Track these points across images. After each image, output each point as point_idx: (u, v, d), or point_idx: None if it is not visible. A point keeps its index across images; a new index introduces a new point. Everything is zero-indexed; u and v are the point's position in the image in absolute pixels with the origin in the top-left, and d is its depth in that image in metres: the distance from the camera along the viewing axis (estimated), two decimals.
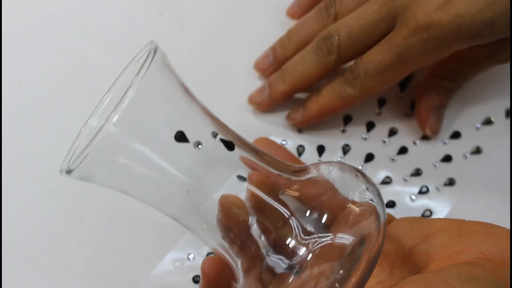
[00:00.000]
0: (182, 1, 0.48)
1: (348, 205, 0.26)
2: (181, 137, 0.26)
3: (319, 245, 0.25)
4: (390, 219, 0.32)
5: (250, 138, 0.30)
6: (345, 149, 0.42)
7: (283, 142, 0.42)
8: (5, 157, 0.42)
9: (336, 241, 0.25)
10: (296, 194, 0.28)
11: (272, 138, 0.41)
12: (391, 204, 0.41)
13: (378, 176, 0.42)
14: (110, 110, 0.23)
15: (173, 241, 0.40)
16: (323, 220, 0.26)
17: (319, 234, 0.26)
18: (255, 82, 0.45)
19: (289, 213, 0.27)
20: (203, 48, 0.46)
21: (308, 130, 0.43)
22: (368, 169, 0.42)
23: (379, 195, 0.27)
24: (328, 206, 0.27)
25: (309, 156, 0.42)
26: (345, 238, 0.25)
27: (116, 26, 0.47)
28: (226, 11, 0.47)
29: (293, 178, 0.28)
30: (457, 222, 0.28)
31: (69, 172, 0.24)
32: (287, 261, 0.26)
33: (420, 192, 0.41)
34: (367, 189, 0.27)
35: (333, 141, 0.43)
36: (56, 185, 0.41)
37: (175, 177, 0.26)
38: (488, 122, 0.43)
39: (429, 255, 0.27)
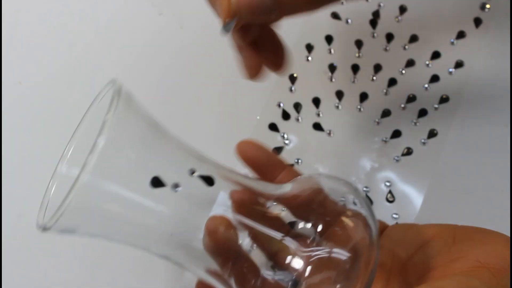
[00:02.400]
0: (182, 1, 0.48)
1: (340, 217, 0.26)
2: (157, 182, 0.25)
3: (314, 260, 0.25)
4: (383, 227, 0.32)
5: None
6: (339, 95, 0.44)
7: (281, 105, 0.43)
8: (5, 157, 0.42)
9: (332, 256, 0.25)
10: (281, 207, 0.27)
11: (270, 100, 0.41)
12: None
13: (374, 112, 0.43)
14: (78, 157, 0.22)
15: None
16: (312, 232, 0.26)
17: (312, 248, 0.25)
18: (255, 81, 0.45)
19: (277, 227, 0.26)
20: (203, 48, 0.46)
21: (299, 87, 0.44)
22: (365, 108, 0.43)
23: (368, 205, 0.26)
24: (317, 217, 0.26)
25: (307, 112, 0.43)
26: (341, 254, 0.25)
27: (116, 26, 0.47)
28: None
29: (278, 191, 0.28)
30: (451, 228, 0.28)
31: (45, 229, 0.23)
32: (282, 277, 0.25)
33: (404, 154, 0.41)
34: (356, 200, 0.26)
35: (325, 90, 0.44)
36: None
37: (156, 222, 0.25)
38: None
39: (425, 266, 0.27)
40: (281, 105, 0.44)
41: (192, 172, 0.26)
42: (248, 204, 0.27)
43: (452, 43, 0.45)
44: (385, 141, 0.43)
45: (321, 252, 0.25)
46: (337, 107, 0.44)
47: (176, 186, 0.25)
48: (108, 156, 0.22)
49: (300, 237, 0.26)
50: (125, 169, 0.24)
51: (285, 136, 0.43)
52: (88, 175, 0.21)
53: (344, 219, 0.26)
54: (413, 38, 0.45)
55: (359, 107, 0.44)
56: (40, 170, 0.42)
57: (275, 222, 0.27)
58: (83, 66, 0.46)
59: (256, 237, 0.27)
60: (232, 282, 0.26)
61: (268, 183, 0.29)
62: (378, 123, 0.43)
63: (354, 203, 0.26)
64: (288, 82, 0.45)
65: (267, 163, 0.32)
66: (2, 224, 0.40)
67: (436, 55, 0.45)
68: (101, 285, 0.39)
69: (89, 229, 0.25)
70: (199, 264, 0.27)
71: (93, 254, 0.40)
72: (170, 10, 0.48)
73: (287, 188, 0.28)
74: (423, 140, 0.43)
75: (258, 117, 0.44)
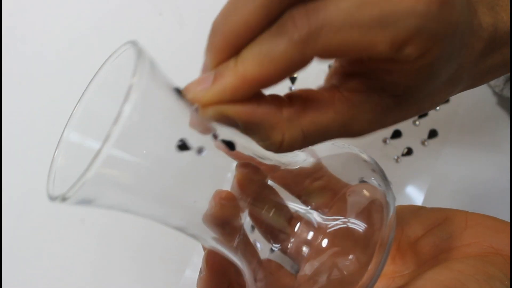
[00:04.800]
0: (182, 1, 0.48)
1: (355, 187, 0.25)
2: (183, 146, 0.24)
3: (332, 229, 0.25)
4: None
5: None
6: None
7: None
8: (5, 157, 0.42)
9: (349, 226, 0.24)
10: (285, 177, 0.27)
11: None
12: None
13: None
14: (85, 121, 0.21)
15: (173, 240, 0.40)
16: (324, 203, 0.26)
17: (326, 218, 0.25)
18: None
19: (283, 199, 0.26)
20: (203, 48, 0.46)
21: (299, 87, 0.43)
22: None
23: (385, 178, 0.26)
24: (328, 188, 0.26)
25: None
26: (357, 225, 0.24)
27: (116, 26, 0.47)
28: None
29: (286, 160, 0.27)
30: (463, 213, 0.28)
31: (64, 199, 0.22)
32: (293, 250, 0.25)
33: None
34: (373, 171, 0.26)
35: None
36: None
37: (180, 188, 0.25)
38: None
39: (436, 248, 0.27)
40: None
41: (215, 136, 0.25)
42: (253, 174, 0.26)
43: None
44: (385, 141, 0.43)
45: (338, 224, 0.25)
46: None
47: (200, 150, 0.25)
48: (134, 124, 0.21)
49: (316, 209, 0.26)
50: (150, 137, 0.23)
51: None
52: (112, 145, 0.20)
53: (363, 191, 0.25)
54: None
55: None
56: (40, 170, 0.42)
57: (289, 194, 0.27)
58: (83, 66, 0.46)
59: (259, 211, 0.26)
60: (239, 253, 0.26)
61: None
62: None
63: (373, 179, 0.26)
64: (288, 82, 0.45)
65: None
66: (2, 224, 0.40)
67: None
68: (101, 285, 0.39)
69: (107, 200, 0.24)
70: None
71: (93, 254, 0.40)
72: (170, 10, 0.47)
73: (302, 157, 0.28)
74: (423, 140, 0.43)
75: None
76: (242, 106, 0.22)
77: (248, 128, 0.22)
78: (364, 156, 0.27)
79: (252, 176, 0.26)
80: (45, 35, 0.46)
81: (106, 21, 0.47)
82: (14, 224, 0.40)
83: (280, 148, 0.22)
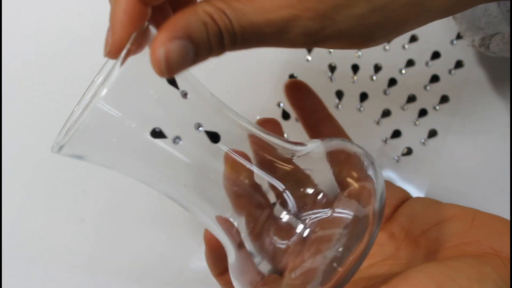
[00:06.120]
0: None
1: (348, 180, 0.26)
2: (157, 133, 0.24)
3: (317, 219, 0.25)
4: (406, 197, 0.32)
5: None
6: (339, 95, 0.44)
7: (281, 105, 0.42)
8: (5, 157, 0.42)
9: (335, 215, 0.25)
10: (291, 167, 0.27)
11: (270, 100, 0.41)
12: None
13: (374, 112, 0.43)
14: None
15: (173, 240, 0.40)
16: (322, 194, 0.26)
17: (319, 209, 0.25)
18: (254, 80, 0.45)
19: (283, 187, 0.26)
20: None
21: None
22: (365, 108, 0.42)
23: (377, 171, 0.26)
24: (329, 180, 0.26)
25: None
26: (345, 213, 0.25)
27: None
28: None
29: (294, 148, 0.28)
30: (471, 211, 0.28)
31: (60, 148, 0.23)
32: (292, 220, 0.25)
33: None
34: (368, 165, 0.26)
35: (325, 90, 0.43)
36: (56, 185, 0.41)
37: (174, 156, 0.25)
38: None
39: (439, 242, 0.27)
40: (281, 105, 0.44)
41: (198, 126, 0.26)
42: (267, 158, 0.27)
43: (452, 43, 0.45)
44: (385, 141, 0.43)
45: (325, 214, 0.25)
46: (337, 107, 0.44)
47: (176, 139, 0.25)
48: (127, 85, 0.22)
49: (304, 197, 0.26)
50: (144, 103, 0.24)
51: (285, 136, 0.43)
52: (103, 99, 0.21)
53: (351, 181, 0.26)
54: (413, 38, 0.45)
55: (359, 107, 0.44)
56: (40, 170, 0.42)
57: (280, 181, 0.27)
58: (83, 65, 0.46)
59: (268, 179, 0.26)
60: (243, 221, 0.26)
61: (287, 141, 0.29)
62: (378, 123, 0.43)
63: (367, 166, 0.26)
64: None
65: (313, 108, 0.31)
66: (2, 224, 0.40)
67: (436, 55, 0.45)
68: (101, 284, 0.39)
69: (103, 155, 0.24)
70: (212, 203, 0.27)
71: (93, 254, 0.40)
72: None
73: (308, 149, 0.28)
74: (423, 140, 0.43)
75: (258, 117, 0.44)
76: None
77: None
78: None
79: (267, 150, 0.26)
80: (44, 35, 0.46)
81: (106, 21, 0.47)
82: (14, 223, 0.40)
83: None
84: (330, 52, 0.45)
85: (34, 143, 0.43)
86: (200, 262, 0.39)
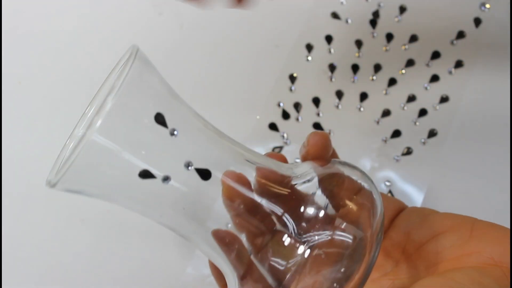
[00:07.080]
0: (182, 1, 0.48)
1: (346, 202, 0.26)
2: (145, 174, 0.24)
3: (318, 242, 0.25)
4: (402, 207, 0.31)
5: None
6: (339, 95, 0.44)
7: (281, 104, 0.42)
8: (5, 157, 0.42)
9: (335, 238, 0.25)
10: (288, 191, 0.27)
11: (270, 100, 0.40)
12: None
13: (374, 112, 0.43)
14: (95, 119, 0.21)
15: (173, 240, 0.40)
16: (321, 215, 0.26)
17: (319, 232, 0.25)
18: (255, 81, 0.45)
19: (282, 210, 0.26)
20: (203, 48, 0.46)
21: (299, 87, 0.43)
22: (365, 108, 0.43)
23: (374, 190, 0.26)
24: (328, 201, 0.26)
25: (307, 112, 0.42)
26: (345, 236, 0.25)
27: (116, 25, 0.47)
28: (226, 11, 0.47)
29: (291, 171, 0.28)
30: (470, 221, 0.28)
31: (53, 185, 0.22)
32: (285, 258, 0.25)
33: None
34: (364, 184, 0.26)
35: (325, 90, 0.43)
36: None
37: (169, 186, 0.25)
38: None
39: (438, 255, 0.27)
40: (281, 104, 0.44)
41: (188, 165, 0.25)
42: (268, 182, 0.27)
43: (452, 43, 0.45)
44: (385, 141, 0.43)
45: (325, 236, 0.25)
46: (337, 107, 0.44)
47: (166, 179, 0.24)
48: (118, 117, 0.22)
49: (305, 220, 0.26)
50: (136, 132, 0.23)
51: (285, 135, 0.43)
52: (95, 133, 0.21)
53: (349, 202, 0.26)
54: (413, 38, 0.45)
55: (359, 107, 0.44)
56: (40, 170, 0.42)
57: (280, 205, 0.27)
58: (83, 66, 0.46)
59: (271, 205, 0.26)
60: (243, 237, 0.26)
61: (282, 163, 0.29)
62: (378, 123, 0.43)
63: (364, 187, 0.26)
64: (288, 82, 0.45)
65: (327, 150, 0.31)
66: (2, 224, 0.40)
67: (436, 55, 0.45)
68: (101, 284, 0.39)
69: (96, 189, 0.24)
70: (207, 239, 0.26)
71: (93, 254, 0.40)
72: (170, 10, 0.47)
73: (302, 170, 0.28)
74: (423, 140, 0.43)
75: (258, 117, 0.44)
76: None
77: None
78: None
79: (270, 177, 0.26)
80: (45, 35, 0.46)
81: (106, 21, 0.47)
82: (14, 223, 0.40)
83: None
84: (330, 52, 0.45)
85: (34, 143, 0.43)
86: (197, 267, 0.39)
